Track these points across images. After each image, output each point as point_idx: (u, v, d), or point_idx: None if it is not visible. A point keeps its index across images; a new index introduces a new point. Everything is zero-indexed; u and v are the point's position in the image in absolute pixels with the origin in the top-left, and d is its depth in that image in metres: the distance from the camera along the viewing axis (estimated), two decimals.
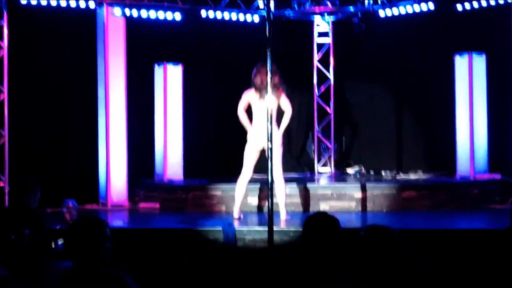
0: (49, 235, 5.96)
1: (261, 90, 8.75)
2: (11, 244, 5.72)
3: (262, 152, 8.80)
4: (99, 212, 10.28)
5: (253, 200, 9.89)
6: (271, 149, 6.51)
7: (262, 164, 8.85)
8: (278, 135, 8.73)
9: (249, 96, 8.91)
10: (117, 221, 9.44)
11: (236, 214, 9.02)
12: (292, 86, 12.14)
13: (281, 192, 8.87)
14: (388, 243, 3.78)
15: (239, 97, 8.99)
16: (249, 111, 8.98)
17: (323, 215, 4.21)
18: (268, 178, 6.47)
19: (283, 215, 8.82)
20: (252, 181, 9.19)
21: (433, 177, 11.15)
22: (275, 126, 8.69)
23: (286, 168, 11.63)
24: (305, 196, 9.85)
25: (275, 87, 8.63)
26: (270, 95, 6.76)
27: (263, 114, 8.73)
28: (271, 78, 6.70)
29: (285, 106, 8.83)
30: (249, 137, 8.94)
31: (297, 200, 9.82)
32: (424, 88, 12.08)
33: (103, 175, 10.74)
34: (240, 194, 9.06)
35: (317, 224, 4.13)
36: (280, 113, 8.85)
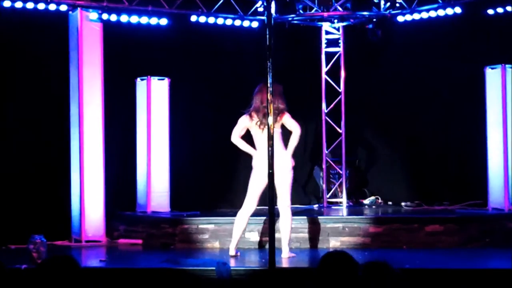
0: (9, 276, 5.96)
1: (259, 115, 8.89)
2: None
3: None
4: (71, 249, 10.28)
5: (252, 236, 9.92)
6: (271, 174, 6.55)
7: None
8: (286, 158, 8.82)
9: (246, 122, 9.01)
10: (93, 260, 9.44)
11: (232, 251, 9.05)
12: (297, 102, 12.21)
13: (286, 224, 8.91)
14: (387, 282, 3.80)
15: (236, 116, 9.05)
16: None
17: (341, 255, 4.17)
18: (269, 209, 6.51)
19: (285, 253, 8.85)
20: (254, 213, 9.19)
21: (461, 209, 11.19)
22: (282, 150, 8.78)
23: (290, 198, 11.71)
24: (313, 231, 9.89)
25: (276, 110, 8.74)
26: (271, 114, 6.81)
27: (265, 138, 8.82)
28: (271, 99, 6.75)
29: (292, 126, 8.89)
30: (254, 164, 9.02)
31: (303, 235, 9.87)
32: (451, 105, 12.15)
33: (76, 206, 10.75)
34: (239, 228, 9.09)
35: (335, 266, 4.11)
36: (285, 134, 8.92)
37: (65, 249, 10.18)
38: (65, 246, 10.48)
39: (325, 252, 4.33)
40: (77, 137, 10.76)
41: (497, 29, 11.32)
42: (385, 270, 3.87)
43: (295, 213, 10.38)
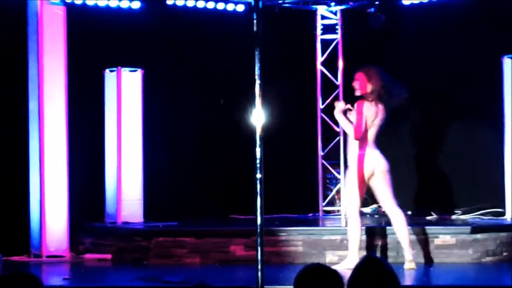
0: None
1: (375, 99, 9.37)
2: None
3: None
4: (30, 265, 10.26)
5: (238, 249, 9.93)
6: (260, 180, 6.54)
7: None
8: (379, 157, 9.31)
9: (372, 110, 9.37)
10: (55, 278, 9.43)
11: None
12: (289, 97, 12.23)
13: (400, 225, 9.21)
14: (380, 277, 3.97)
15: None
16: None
17: (318, 269, 4.20)
18: (257, 219, 6.49)
19: (408, 262, 9.04)
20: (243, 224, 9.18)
21: (476, 219, 11.20)
22: (375, 147, 9.25)
23: (278, 207, 11.69)
24: (307, 244, 9.88)
25: (372, 93, 9.38)
26: (259, 109, 6.81)
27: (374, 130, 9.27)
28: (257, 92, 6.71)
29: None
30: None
31: (296, 249, 9.87)
32: (465, 100, 12.13)
33: (35, 217, 10.71)
34: (356, 234, 9.27)
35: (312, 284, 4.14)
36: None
37: (23, 266, 10.17)
38: (23, 262, 10.47)
39: (304, 266, 4.33)
40: (37, 136, 10.70)
41: None
42: (381, 265, 4.04)
43: (287, 223, 10.39)
